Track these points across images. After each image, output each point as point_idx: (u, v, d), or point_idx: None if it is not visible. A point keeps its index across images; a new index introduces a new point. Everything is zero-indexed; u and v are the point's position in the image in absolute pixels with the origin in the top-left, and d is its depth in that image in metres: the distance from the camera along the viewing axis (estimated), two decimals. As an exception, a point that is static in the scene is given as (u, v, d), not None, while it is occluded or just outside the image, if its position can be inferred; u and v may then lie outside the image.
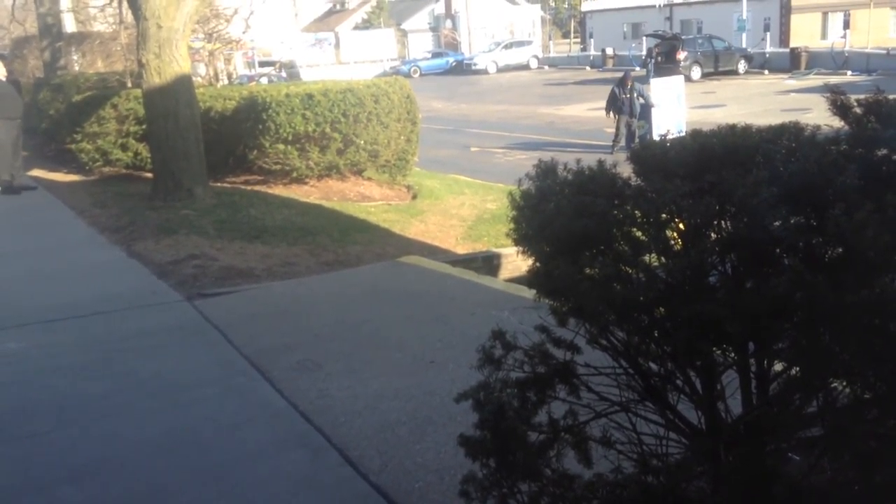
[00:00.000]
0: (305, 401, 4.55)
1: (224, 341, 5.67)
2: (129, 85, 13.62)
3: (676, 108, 17.23)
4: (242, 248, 8.25)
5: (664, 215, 2.47)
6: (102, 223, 9.56)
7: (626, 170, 2.64)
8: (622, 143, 16.63)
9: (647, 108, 16.98)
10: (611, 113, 17.35)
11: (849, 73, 29.76)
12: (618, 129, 17.01)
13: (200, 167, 10.38)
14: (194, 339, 5.83)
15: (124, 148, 12.40)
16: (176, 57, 9.98)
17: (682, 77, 17.20)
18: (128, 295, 6.87)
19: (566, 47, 59.43)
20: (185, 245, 8.25)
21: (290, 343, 5.53)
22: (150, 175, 11.29)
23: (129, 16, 12.38)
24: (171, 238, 8.52)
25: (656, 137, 16.52)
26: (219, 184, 11.28)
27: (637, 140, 16.15)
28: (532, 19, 61.40)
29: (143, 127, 11.35)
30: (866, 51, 31.65)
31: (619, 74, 19.00)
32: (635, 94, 16.94)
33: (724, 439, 2.60)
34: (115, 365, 5.36)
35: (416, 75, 46.38)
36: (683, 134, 16.60)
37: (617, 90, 17.11)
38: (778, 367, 2.52)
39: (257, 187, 11.35)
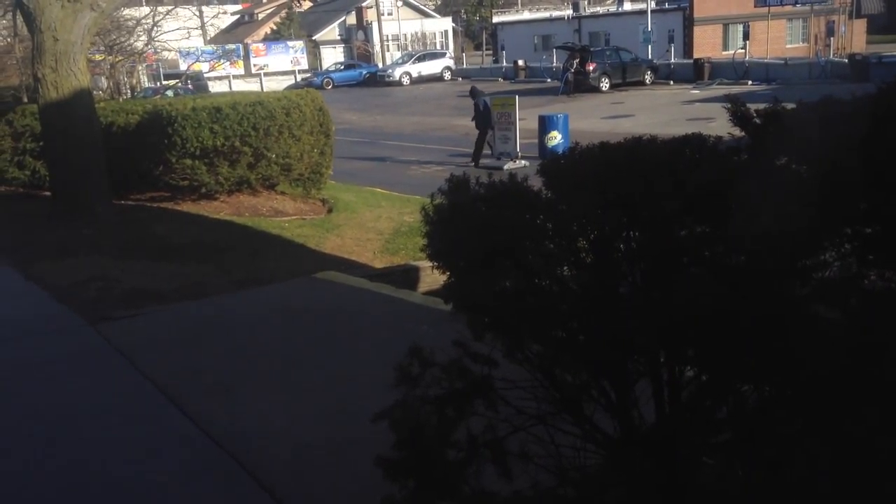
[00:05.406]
0: (217, 426, 4.38)
1: (130, 366, 5.42)
2: (25, 100, 13.00)
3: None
4: (148, 267, 7.93)
5: (575, 227, 2.48)
6: (-3, 245, 9.06)
7: (536, 182, 2.64)
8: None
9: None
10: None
11: (749, 82, 31.06)
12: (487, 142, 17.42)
13: (102, 184, 9.96)
14: (98, 365, 5.55)
15: (20, 166, 11.84)
16: (74, 70, 9.56)
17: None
18: (25, 320, 6.51)
19: (479, 59, 59.98)
20: (86, 266, 7.87)
21: (200, 366, 5.33)
22: (48, 194, 10.78)
23: (23, 28, 11.79)
24: (71, 259, 8.13)
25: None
26: (122, 201, 10.84)
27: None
28: (444, 30, 61.78)
29: (41, 144, 10.84)
30: (765, 61, 33.03)
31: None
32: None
33: (639, 447, 2.62)
34: (12, 396, 5.06)
35: (329, 87, 45.91)
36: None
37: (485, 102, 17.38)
38: (689, 374, 2.56)
39: (164, 204, 10.96)
